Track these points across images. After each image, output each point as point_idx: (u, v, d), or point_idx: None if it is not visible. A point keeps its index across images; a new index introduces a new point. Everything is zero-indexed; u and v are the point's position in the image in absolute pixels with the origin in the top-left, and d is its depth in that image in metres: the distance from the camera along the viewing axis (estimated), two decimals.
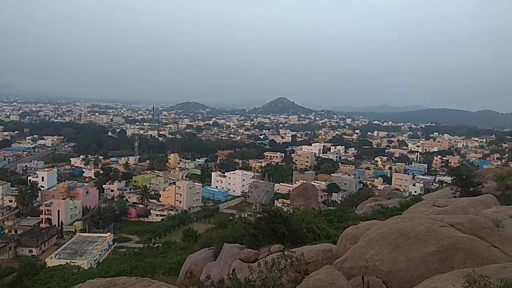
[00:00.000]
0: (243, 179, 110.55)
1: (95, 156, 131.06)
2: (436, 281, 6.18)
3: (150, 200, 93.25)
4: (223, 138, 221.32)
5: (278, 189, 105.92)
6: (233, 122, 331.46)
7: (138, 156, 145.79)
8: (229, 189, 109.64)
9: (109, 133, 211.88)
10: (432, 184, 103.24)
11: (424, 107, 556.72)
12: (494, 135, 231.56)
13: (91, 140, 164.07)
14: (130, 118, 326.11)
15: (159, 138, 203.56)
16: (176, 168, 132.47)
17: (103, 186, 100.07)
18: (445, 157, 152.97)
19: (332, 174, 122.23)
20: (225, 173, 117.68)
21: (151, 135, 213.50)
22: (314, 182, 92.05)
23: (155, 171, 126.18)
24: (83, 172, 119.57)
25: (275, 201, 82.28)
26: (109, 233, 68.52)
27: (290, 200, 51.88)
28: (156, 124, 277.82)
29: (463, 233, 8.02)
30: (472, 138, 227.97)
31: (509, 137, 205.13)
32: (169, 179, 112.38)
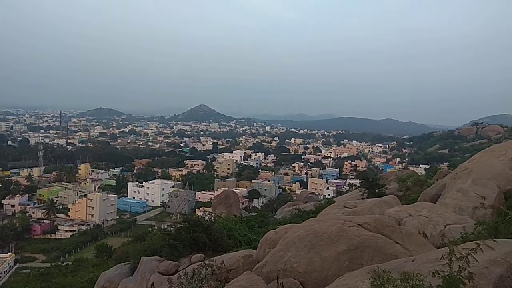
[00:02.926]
0: (163, 189, 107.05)
1: None
2: (347, 279, 6.59)
3: (58, 215, 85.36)
4: (140, 146, 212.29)
5: (199, 198, 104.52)
6: (151, 129, 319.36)
7: (43, 167, 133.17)
8: (147, 200, 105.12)
9: (9, 142, 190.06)
10: (344, 187, 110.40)
11: (335, 115, 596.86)
12: (395, 141, 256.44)
13: None
14: (33, 126, 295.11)
15: (68, 147, 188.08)
16: (88, 179, 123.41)
17: (2, 201, 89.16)
18: (354, 162, 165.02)
19: (253, 181, 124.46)
20: (143, 183, 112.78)
21: (58, 143, 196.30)
22: (236, 189, 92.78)
23: (63, 183, 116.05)
24: None
25: (197, 210, 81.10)
26: (10, 253, 61.07)
27: (211, 208, 51.56)
28: (64, 131, 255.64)
29: (370, 231, 8.68)
30: (376, 144, 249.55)
31: (408, 143, 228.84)
32: (80, 191, 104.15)
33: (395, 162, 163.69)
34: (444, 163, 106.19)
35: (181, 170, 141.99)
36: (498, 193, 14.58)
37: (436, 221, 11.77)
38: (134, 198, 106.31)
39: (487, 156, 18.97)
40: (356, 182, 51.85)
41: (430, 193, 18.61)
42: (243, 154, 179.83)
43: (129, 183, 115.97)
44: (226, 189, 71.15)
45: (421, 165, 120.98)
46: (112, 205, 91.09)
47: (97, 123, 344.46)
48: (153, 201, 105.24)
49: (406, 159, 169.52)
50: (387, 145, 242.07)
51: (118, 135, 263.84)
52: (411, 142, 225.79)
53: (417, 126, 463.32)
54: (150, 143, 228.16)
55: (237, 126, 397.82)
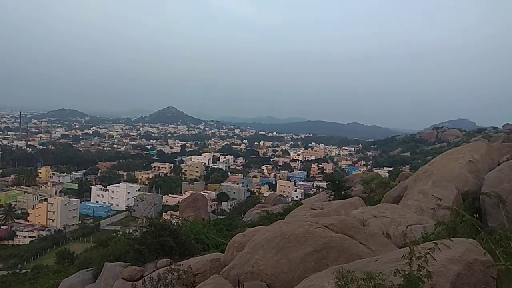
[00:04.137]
0: (128, 192, 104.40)
1: None
2: (313, 280, 6.67)
3: (16, 220, 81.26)
4: (105, 148, 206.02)
5: (166, 201, 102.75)
6: (116, 131, 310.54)
7: (1, 170, 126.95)
8: (112, 204, 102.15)
9: None
10: (311, 189, 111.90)
11: (303, 119, 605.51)
12: (360, 145, 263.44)
13: None
14: None
15: (28, 149, 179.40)
16: (48, 183, 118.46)
17: None
18: (321, 164, 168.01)
19: (221, 184, 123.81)
20: (108, 186, 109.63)
21: (17, 145, 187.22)
22: (204, 192, 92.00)
23: (22, 186, 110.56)
24: None
25: (164, 213, 79.63)
26: None
27: (179, 211, 50.75)
28: (23, 133, 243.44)
29: (336, 232, 8.84)
30: (343, 147, 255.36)
31: (372, 146, 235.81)
32: (40, 195, 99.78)
33: (361, 165, 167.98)
34: (406, 166, 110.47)
35: (148, 173, 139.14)
36: (456, 194, 15.26)
37: (398, 222, 12.16)
38: (97, 202, 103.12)
39: (447, 159, 19.81)
40: (323, 184, 52.78)
41: (392, 195, 19.21)
42: (211, 157, 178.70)
43: (92, 186, 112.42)
44: (194, 192, 70.43)
45: (384, 168, 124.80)
46: (74, 209, 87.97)
47: (59, 125, 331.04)
48: (117, 205, 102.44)
49: (371, 161, 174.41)
50: (353, 148, 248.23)
51: (81, 137, 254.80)
52: (376, 145, 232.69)
53: (381, 129, 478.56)
54: (115, 146, 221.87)
55: (206, 128, 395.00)
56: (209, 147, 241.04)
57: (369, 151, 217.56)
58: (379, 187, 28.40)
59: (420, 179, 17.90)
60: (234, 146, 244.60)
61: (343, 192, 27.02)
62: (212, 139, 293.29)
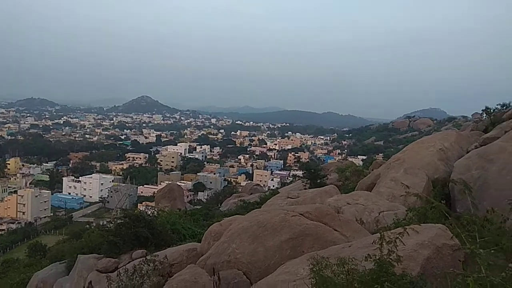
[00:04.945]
0: (102, 183, 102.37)
1: None
2: (289, 266, 6.77)
3: None
4: (76, 138, 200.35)
5: (141, 192, 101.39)
6: (89, 121, 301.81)
7: None
8: (85, 195, 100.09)
9: None
10: (287, 178, 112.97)
11: (280, 108, 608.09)
12: (335, 134, 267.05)
13: None
14: None
15: None
16: (18, 175, 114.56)
17: None
18: (298, 153, 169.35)
19: (198, 174, 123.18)
20: (80, 177, 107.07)
21: None
22: (180, 182, 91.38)
23: None
24: None
25: (139, 204, 78.60)
26: None
27: (155, 202, 50.22)
28: None
29: (311, 220, 8.98)
30: (318, 137, 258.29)
31: (347, 135, 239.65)
32: (9, 187, 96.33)
33: (336, 154, 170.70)
34: (380, 154, 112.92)
35: (122, 164, 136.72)
36: (427, 181, 15.77)
37: (371, 209, 12.48)
38: (70, 194, 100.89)
39: (418, 147, 20.37)
40: (300, 173, 53.50)
41: (366, 183, 19.66)
42: (188, 147, 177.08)
43: (64, 178, 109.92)
44: (170, 182, 69.73)
45: (359, 156, 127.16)
46: (45, 201, 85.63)
47: (28, 114, 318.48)
48: (91, 196, 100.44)
49: (346, 150, 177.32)
50: (328, 137, 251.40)
51: (51, 127, 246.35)
52: (350, 134, 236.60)
53: (356, 119, 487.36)
54: (87, 136, 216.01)
55: (182, 118, 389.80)
56: (185, 137, 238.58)
57: (344, 140, 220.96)
58: (353, 175, 28.97)
59: (393, 167, 18.38)
60: (210, 136, 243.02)
61: (318, 181, 27.47)
62: (188, 128, 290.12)
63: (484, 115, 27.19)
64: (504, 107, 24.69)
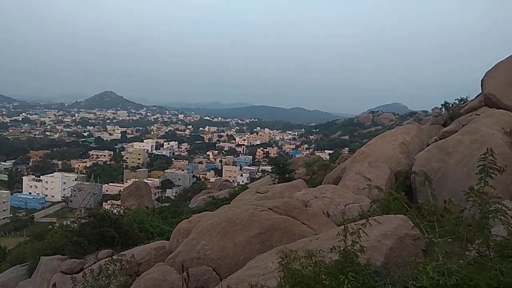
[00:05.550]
0: (64, 182, 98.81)
1: None
2: (258, 261, 6.85)
3: None
4: (36, 136, 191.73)
5: (107, 190, 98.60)
6: (49, 117, 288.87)
7: None
8: (46, 195, 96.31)
9: None
10: (257, 174, 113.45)
11: (248, 104, 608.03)
12: (303, 129, 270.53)
13: None
14: None
15: None
16: None
17: None
18: (266, 149, 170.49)
19: (166, 170, 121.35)
20: (41, 176, 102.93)
21: None
22: (147, 180, 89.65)
23: None
24: None
25: (104, 203, 76.44)
26: None
27: (121, 200, 49.06)
28: None
29: (280, 214, 9.10)
30: (287, 132, 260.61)
31: (314, 130, 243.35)
32: None
33: (304, 148, 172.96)
34: (346, 148, 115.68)
35: (85, 162, 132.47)
36: (390, 174, 16.35)
37: (338, 202, 12.81)
38: (30, 193, 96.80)
39: (381, 141, 21.05)
40: (268, 168, 53.98)
41: (333, 176, 20.11)
42: (155, 143, 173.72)
43: (24, 177, 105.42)
44: (136, 180, 68.30)
45: (325, 151, 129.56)
46: (4, 202, 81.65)
47: None
48: (53, 196, 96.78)
49: (313, 145, 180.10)
50: (296, 132, 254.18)
51: (9, 124, 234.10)
52: (317, 129, 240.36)
53: (323, 114, 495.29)
54: (48, 133, 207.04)
55: (148, 114, 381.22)
56: (152, 133, 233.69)
57: (312, 135, 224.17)
58: (320, 169, 29.51)
59: (358, 160, 18.91)
60: (178, 132, 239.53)
61: (287, 175, 27.78)
62: (155, 125, 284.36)
63: (443, 109, 28.29)
64: (462, 102, 25.77)
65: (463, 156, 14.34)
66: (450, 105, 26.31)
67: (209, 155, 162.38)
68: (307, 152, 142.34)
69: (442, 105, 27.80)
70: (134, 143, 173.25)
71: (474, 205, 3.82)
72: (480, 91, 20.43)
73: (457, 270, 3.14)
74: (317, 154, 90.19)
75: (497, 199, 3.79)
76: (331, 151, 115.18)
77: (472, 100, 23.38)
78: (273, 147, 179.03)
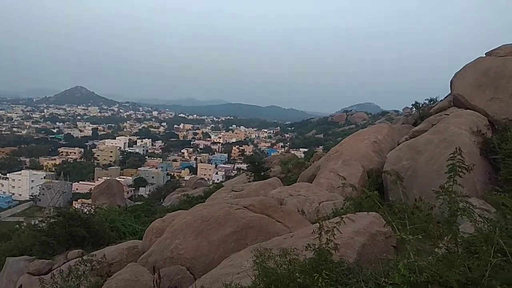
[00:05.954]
0: (32, 180, 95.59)
1: None
2: (233, 259, 6.81)
3: None
4: (3, 132, 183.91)
5: (77, 189, 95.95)
6: (16, 113, 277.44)
7: None
8: (13, 193, 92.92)
9: None
10: (232, 172, 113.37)
11: (224, 101, 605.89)
12: (278, 127, 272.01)
13: None
14: None
15: None
16: None
17: None
18: (242, 146, 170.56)
19: (139, 168, 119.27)
20: (8, 174, 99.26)
21: None
22: (120, 178, 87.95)
23: None
24: None
25: (74, 202, 74.30)
26: None
27: (91, 199, 47.68)
28: None
29: (255, 213, 9.09)
30: (262, 130, 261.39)
31: (289, 129, 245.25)
32: None
33: (279, 147, 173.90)
34: (320, 147, 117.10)
35: (54, 159, 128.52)
36: (362, 172, 16.69)
37: (312, 199, 12.95)
38: None
39: (354, 140, 21.43)
40: (244, 166, 53.98)
41: (307, 174, 20.33)
42: (127, 141, 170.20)
43: None
44: (108, 178, 66.83)
45: (300, 149, 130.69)
46: None
47: None
48: (20, 194, 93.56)
49: (288, 143, 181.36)
50: (272, 131, 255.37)
51: None
52: (292, 128, 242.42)
53: (298, 112, 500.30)
54: (15, 129, 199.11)
55: (121, 110, 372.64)
56: (125, 130, 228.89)
57: (287, 133, 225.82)
58: (295, 167, 29.78)
59: (332, 159, 19.18)
60: (152, 129, 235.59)
61: (262, 173, 27.88)
62: (128, 121, 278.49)
63: (414, 109, 29.06)
64: (432, 102, 26.52)
65: (433, 154, 14.79)
66: (420, 105, 27.04)
67: (183, 152, 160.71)
68: (283, 150, 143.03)
69: (412, 105, 28.53)
70: (106, 140, 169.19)
71: (443, 203, 3.93)
72: (449, 92, 21.08)
73: (427, 267, 3.22)
74: (292, 152, 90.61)
75: (465, 197, 3.91)
76: (306, 150, 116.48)
77: (441, 100, 24.10)
78: (248, 145, 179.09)
